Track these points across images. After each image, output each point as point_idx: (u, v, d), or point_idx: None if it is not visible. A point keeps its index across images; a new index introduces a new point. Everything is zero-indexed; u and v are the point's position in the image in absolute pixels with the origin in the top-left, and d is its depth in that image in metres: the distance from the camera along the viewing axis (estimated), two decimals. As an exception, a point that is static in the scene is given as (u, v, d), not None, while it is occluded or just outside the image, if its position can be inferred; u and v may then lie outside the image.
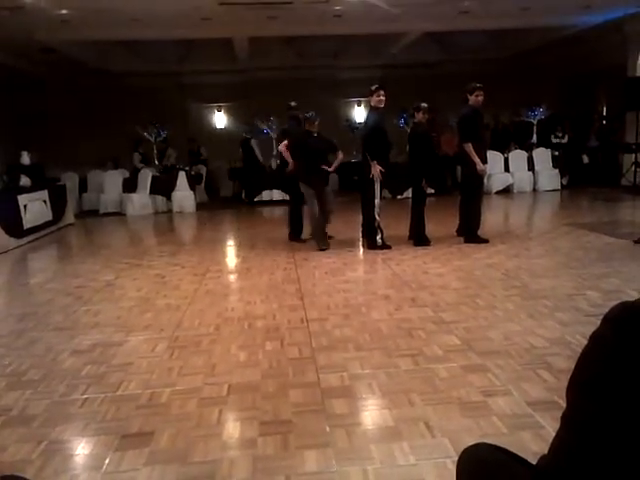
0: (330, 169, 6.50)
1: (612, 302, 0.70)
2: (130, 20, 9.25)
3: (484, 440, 2.15)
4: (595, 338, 0.66)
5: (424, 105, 6.60)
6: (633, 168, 11.00)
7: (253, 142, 12.02)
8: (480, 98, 6.31)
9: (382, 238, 6.46)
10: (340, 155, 6.70)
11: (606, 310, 0.74)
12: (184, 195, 11.19)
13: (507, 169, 11.65)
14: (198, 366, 3.32)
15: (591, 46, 11.82)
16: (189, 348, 3.63)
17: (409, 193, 10.98)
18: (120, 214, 11.13)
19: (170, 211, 11.17)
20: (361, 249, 7.05)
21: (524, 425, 2.46)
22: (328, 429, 2.53)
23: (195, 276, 5.63)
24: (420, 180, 6.48)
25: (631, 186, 11.01)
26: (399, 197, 11.02)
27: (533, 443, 2.30)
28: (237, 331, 3.93)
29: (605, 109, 13.44)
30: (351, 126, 13.44)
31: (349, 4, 8.66)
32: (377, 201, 6.36)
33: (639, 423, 0.59)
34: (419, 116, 6.61)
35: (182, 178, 11.20)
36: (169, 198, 11.23)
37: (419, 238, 6.62)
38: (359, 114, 14.21)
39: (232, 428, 2.65)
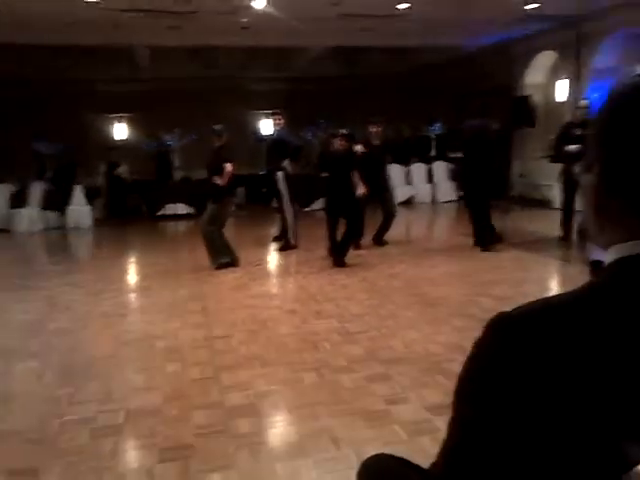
0: (219, 182, 6.01)
1: (502, 307, 0.73)
2: (20, 24, 8.63)
3: (386, 448, 2.19)
4: (475, 345, 0.68)
5: (343, 131, 6.40)
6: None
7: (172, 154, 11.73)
8: (374, 130, 7.01)
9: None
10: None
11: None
12: (80, 210, 10.55)
13: (408, 181, 12.15)
14: (91, 393, 3.11)
15: (481, 66, 12.67)
16: (81, 374, 3.39)
17: (316, 205, 11.15)
18: (6, 231, 10.26)
19: (64, 227, 10.46)
20: (268, 263, 7.02)
21: (423, 430, 2.54)
22: (232, 450, 2.46)
23: (90, 296, 5.28)
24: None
25: (517, 197, 11.87)
26: (306, 209, 11.11)
27: (432, 447, 2.36)
28: (135, 353, 3.74)
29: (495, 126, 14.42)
30: (258, 138, 13.40)
31: (256, 16, 8.66)
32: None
33: (515, 426, 0.61)
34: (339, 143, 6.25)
35: (78, 192, 10.56)
36: (63, 213, 10.53)
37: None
38: (266, 126, 14.21)
39: (129, 458, 2.50)
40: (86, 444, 2.57)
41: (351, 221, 6.19)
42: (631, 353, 0.58)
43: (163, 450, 2.48)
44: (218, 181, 5.99)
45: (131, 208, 11.66)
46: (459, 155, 6.77)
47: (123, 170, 11.77)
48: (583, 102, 7.04)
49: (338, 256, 6.14)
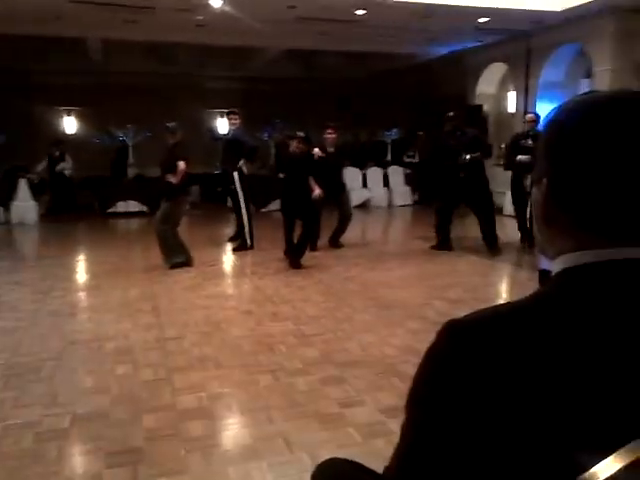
0: (173, 181, 5.89)
1: (457, 310, 0.74)
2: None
3: (340, 451, 2.20)
4: (427, 351, 0.70)
5: (300, 134, 6.46)
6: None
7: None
8: (329, 136, 7.12)
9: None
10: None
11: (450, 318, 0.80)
12: (25, 206, 10.12)
13: (365, 185, 12.27)
14: (36, 396, 2.99)
15: (437, 74, 12.95)
16: (26, 376, 3.25)
17: (272, 206, 11.11)
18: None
19: (8, 223, 10.02)
20: (223, 263, 6.94)
21: (377, 433, 2.56)
22: (183, 454, 2.41)
23: (36, 295, 5.08)
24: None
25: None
26: (262, 210, 11.06)
27: (386, 450, 2.37)
28: (84, 355, 3.61)
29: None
30: (214, 137, 13.22)
31: (213, 15, 8.55)
32: None
33: (466, 430, 0.62)
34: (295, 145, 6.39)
35: (23, 187, 10.13)
36: (7, 209, 10.08)
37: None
38: (222, 125, 14.06)
39: (75, 463, 2.42)
40: (30, 448, 2.47)
41: (307, 223, 6.20)
42: (576, 362, 0.60)
43: (111, 455, 2.41)
44: (171, 179, 5.88)
45: (82, 205, 11.27)
46: (473, 156, 6.86)
47: (66, 166, 11.30)
48: (529, 116, 7.24)
49: (294, 258, 6.13)
